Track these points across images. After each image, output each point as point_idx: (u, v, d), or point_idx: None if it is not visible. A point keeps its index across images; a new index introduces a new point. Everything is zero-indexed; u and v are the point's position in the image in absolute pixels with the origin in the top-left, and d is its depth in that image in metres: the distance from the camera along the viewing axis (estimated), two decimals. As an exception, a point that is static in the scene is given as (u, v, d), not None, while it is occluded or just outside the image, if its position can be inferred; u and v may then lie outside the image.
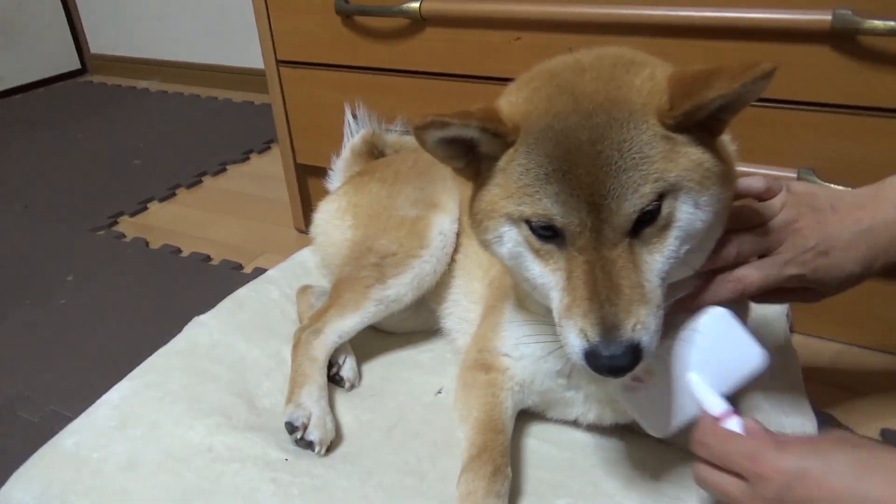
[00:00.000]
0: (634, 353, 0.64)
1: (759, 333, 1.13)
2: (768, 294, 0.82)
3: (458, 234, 1.16)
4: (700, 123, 0.68)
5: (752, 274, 0.79)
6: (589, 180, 0.66)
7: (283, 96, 1.71)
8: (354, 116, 1.48)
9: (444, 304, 1.16)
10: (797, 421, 1.03)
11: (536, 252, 0.71)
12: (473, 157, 0.75)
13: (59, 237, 2.02)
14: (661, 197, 0.67)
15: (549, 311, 0.72)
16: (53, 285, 1.74)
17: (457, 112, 0.69)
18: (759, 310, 1.19)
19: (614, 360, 0.64)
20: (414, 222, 1.14)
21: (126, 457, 0.93)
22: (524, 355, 0.92)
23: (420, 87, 1.54)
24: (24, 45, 3.64)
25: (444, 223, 1.14)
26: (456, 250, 1.15)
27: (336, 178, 1.45)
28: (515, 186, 0.70)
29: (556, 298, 0.70)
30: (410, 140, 1.50)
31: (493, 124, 0.70)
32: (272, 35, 1.64)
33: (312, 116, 1.71)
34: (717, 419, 0.72)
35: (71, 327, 1.56)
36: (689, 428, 0.75)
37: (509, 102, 0.73)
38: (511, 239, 0.73)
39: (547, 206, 0.68)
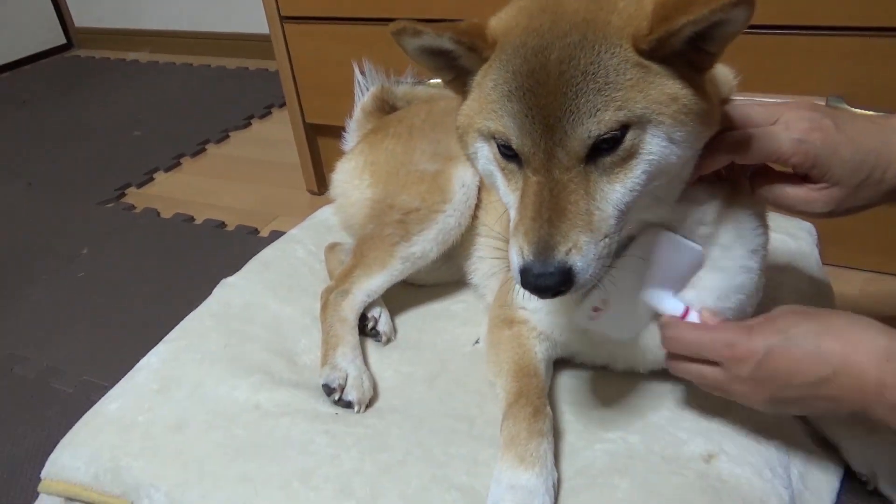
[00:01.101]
0: (565, 276, 0.64)
1: (793, 266, 1.14)
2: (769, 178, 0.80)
3: (479, 190, 1.14)
4: (682, 54, 0.65)
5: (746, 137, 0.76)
6: (548, 101, 0.64)
7: (289, 55, 1.67)
8: (363, 73, 1.45)
9: (470, 260, 1.16)
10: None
11: (503, 170, 0.71)
12: (460, 72, 0.74)
13: (68, 212, 2.00)
14: (625, 127, 0.64)
15: None
16: (69, 259, 1.72)
17: (434, 23, 0.68)
18: (791, 243, 1.19)
19: (542, 279, 0.64)
20: (434, 176, 1.12)
21: (174, 418, 0.93)
22: (539, 308, 0.91)
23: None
24: (7, 22, 3.56)
25: (465, 175, 1.12)
26: (478, 206, 1.14)
27: (350, 137, 1.43)
28: (486, 101, 0.69)
29: (512, 217, 0.70)
30: (422, 91, 1.47)
31: (467, 37, 0.69)
32: (275, -10, 1.60)
33: (320, 74, 1.68)
34: (679, 318, 0.77)
35: (92, 299, 1.56)
36: None
37: (498, 18, 0.72)
38: (483, 155, 0.73)
39: (507, 124, 0.67)
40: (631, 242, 0.78)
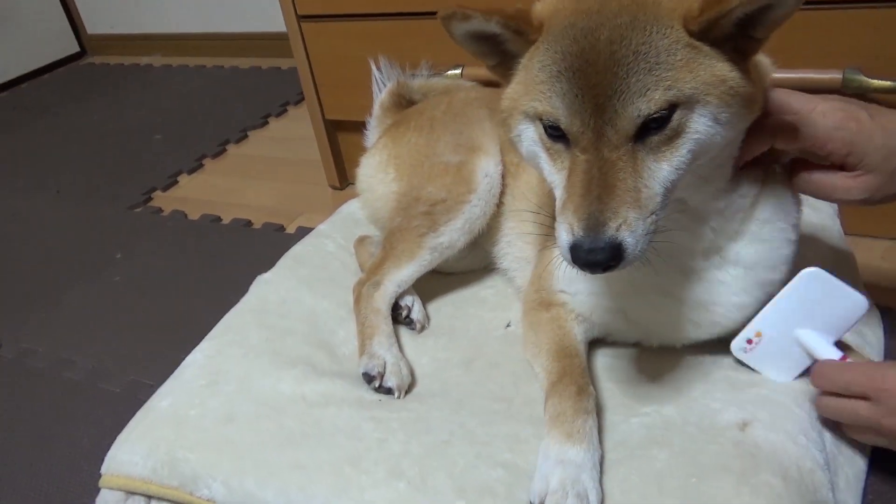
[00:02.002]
0: (615, 252, 0.65)
1: (816, 238, 1.16)
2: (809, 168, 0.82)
3: (503, 176, 1.17)
4: (730, 38, 0.67)
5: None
6: (598, 80, 0.65)
7: (307, 53, 1.70)
8: (379, 69, 1.47)
9: (498, 246, 1.18)
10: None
11: (548, 151, 0.72)
12: (504, 57, 0.76)
13: (99, 218, 2.05)
14: (673, 106, 0.66)
15: None
16: (104, 264, 1.77)
17: (482, 8, 0.70)
18: (812, 215, 1.20)
19: (593, 255, 0.65)
20: (458, 168, 1.15)
21: (223, 411, 0.97)
22: (579, 291, 0.94)
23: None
24: (22, 33, 3.61)
25: (488, 165, 1.15)
26: (503, 192, 1.16)
27: (371, 134, 1.46)
28: (533, 83, 0.71)
29: (559, 196, 0.71)
30: (437, 83, 1.49)
31: (515, 21, 0.71)
32: (290, -10, 1.62)
33: (337, 70, 1.70)
34: None
35: (131, 301, 1.61)
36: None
37: (543, 2, 0.74)
38: (528, 137, 0.75)
39: (555, 104, 0.68)
40: (790, 282, 0.81)
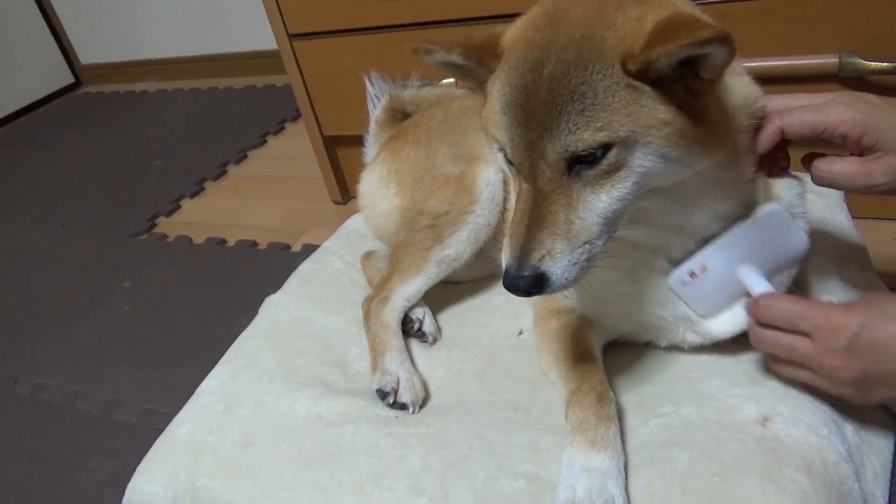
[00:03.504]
0: (538, 281, 0.68)
1: (824, 222, 1.15)
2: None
3: (504, 183, 1.16)
4: (678, 79, 0.66)
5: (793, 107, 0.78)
6: (534, 115, 0.67)
7: (301, 71, 1.71)
8: (372, 84, 1.47)
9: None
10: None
11: (510, 172, 0.76)
12: (480, 79, 0.78)
13: (104, 248, 2.06)
14: (607, 145, 0.66)
15: None
16: (113, 293, 1.78)
17: (452, 40, 0.74)
18: (818, 201, 1.20)
19: (517, 282, 0.69)
20: (459, 179, 1.15)
21: (241, 436, 0.97)
22: (584, 296, 0.93)
23: (435, 37, 1.53)
24: (16, 68, 3.64)
25: (489, 175, 1.14)
26: (506, 199, 1.16)
27: (369, 151, 1.46)
28: (490, 111, 0.73)
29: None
30: (428, 92, 1.49)
31: (475, 52, 0.74)
32: (280, 10, 1.62)
33: (332, 86, 1.71)
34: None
35: (141, 329, 1.61)
36: None
37: (513, 28, 0.75)
38: (499, 157, 0.77)
39: (502, 136, 0.71)
40: (750, 218, 0.80)
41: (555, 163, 0.68)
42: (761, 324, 0.78)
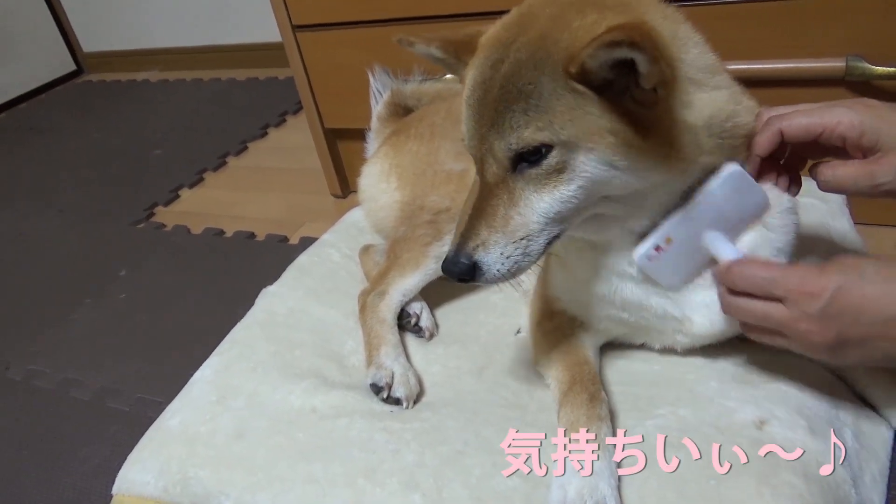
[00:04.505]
0: (470, 269, 0.72)
1: (826, 227, 1.15)
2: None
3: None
4: (624, 88, 0.66)
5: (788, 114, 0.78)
6: (485, 112, 0.69)
7: (304, 63, 1.70)
8: (375, 78, 1.46)
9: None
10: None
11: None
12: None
13: (102, 236, 2.05)
14: (548, 146, 0.67)
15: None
16: (109, 282, 1.77)
17: (432, 32, 0.77)
18: (821, 206, 1.19)
19: (451, 266, 0.73)
20: (461, 176, 1.14)
21: (234, 427, 0.96)
22: (574, 298, 0.93)
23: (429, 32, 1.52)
24: (19, 54, 3.62)
25: None
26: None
27: (371, 147, 1.45)
28: (461, 104, 0.75)
29: None
30: (429, 87, 1.48)
31: (452, 46, 0.77)
32: (285, 1, 1.61)
33: (335, 79, 1.70)
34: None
35: (136, 318, 1.60)
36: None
37: (491, 27, 0.76)
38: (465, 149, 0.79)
39: (462, 128, 0.74)
40: (711, 182, 0.78)
41: (500, 159, 0.70)
42: (733, 291, 0.76)
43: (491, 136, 0.69)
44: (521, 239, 0.72)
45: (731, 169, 0.78)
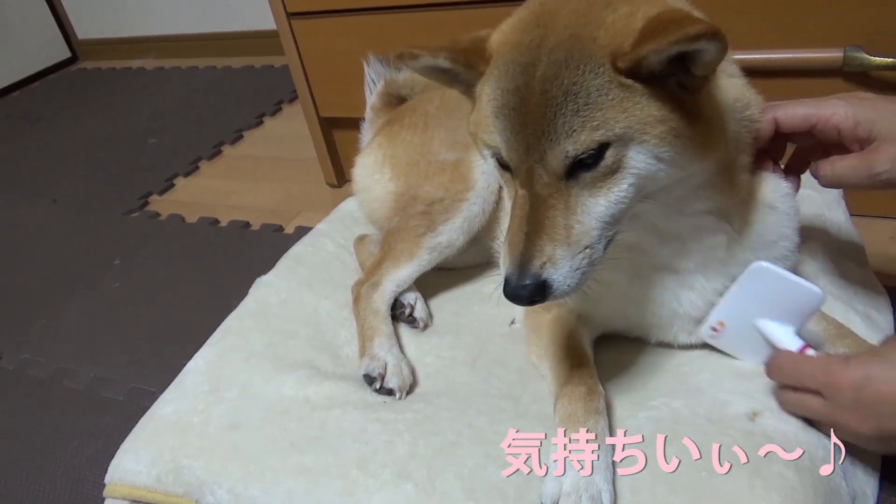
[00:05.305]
0: (540, 288, 0.67)
1: (822, 219, 1.14)
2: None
3: (500, 174, 1.15)
4: (669, 75, 0.65)
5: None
6: (529, 119, 0.66)
7: (299, 51, 1.68)
8: (370, 67, 1.45)
9: (498, 241, 1.17)
10: (866, 297, 1.04)
11: (503, 178, 0.75)
12: (467, 83, 0.76)
13: (95, 225, 2.04)
14: (604, 145, 0.65)
15: None
16: (102, 271, 1.76)
17: (437, 44, 0.71)
18: (817, 197, 1.19)
19: (518, 290, 0.68)
20: (455, 166, 1.14)
21: (227, 417, 0.96)
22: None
23: (434, 20, 1.51)
24: (12, 41, 3.59)
25: (485, 163, 1.13)
26: (501, 188, 1.15)
27: (365, 137, 1.44)
28: (482, 115, 0.71)
29: (505, 223, 0.73)
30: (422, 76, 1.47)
31: (463, 55, 0.72)
32: (279, -13, 1.60)
33: (330, 67, 1.69)
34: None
35: (130, 307, 1.60)
36: None
37: (499, 31, 0.73)
38: (490, 162, 0.76)
39: (496, 141, 0.70)
40: (741, 276, 0.80)
41: (553, 167, 0.67)
42: (781, 385, 0.78)
43: (542, 144, 0.66)
44: (585, 248, 0.69)
45: (756, 266, 0.80)
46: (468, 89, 0.77)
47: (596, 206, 0.68)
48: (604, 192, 0.68)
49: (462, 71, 0.74)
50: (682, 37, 0.60)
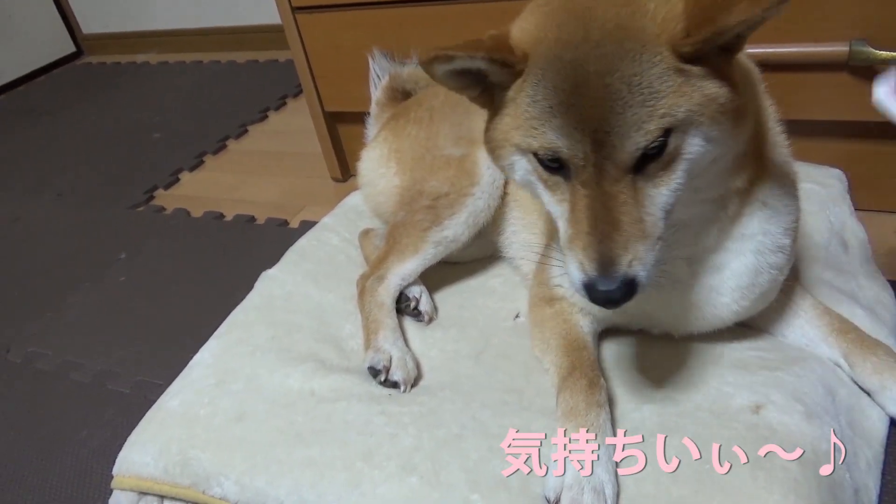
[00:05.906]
0: (629, 288, 0.66)
1: (827, 213, 1.14)
2: None
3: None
4: (714, 53, 0.66)
5: None
6: (594, 114, 0.65)
7: (304, 45, 1.68)
8: (374, 61, 1.45)
9: (503, 235, 1.17)
10: (870, 292, 1.04)
11: (545, 182, 0.72)
12: (487, 86, 0.74)
13: (101, 219, 2.04)
14: (667, 133, 0.65)
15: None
16: (108, 265, 1.77)
17: (464, 43, 0.68)
18: (822, 192, 1.19)
19: (609, 294, 0.66)
20: (461, 161, 1.14)
21: (233, 410, 0.97)
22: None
23: (438, 14, 1.51)
24: (17, 35, 3.59)
25: None
26: (506, 182, 1.15)
27: (370, 132, 1.44)
28: (523, 118, 0.69)
29: (562, 228, 0.71)
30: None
31: (500, 54, 0.69)
32: (284, -18, 1.60)
33: (335, 62, 1.68)
34: None
35: (136, 301, 1.60)
36: None
37: (521, 29, 0.71)
38: (521, 168, 0.74)
39: (552, 140, 0.67)
40: None
41: (623, 161, 0.66)
42: None
43: (611, 139, 0.64)
44: (658, 240, 0.68)
45: None
46: (483, 93, 0.74)
47: (659, 196, 0.68)
48: (665, 181, 0.68)
49: (495, 72, 0.70)
50: (747, 16, 0.61)
